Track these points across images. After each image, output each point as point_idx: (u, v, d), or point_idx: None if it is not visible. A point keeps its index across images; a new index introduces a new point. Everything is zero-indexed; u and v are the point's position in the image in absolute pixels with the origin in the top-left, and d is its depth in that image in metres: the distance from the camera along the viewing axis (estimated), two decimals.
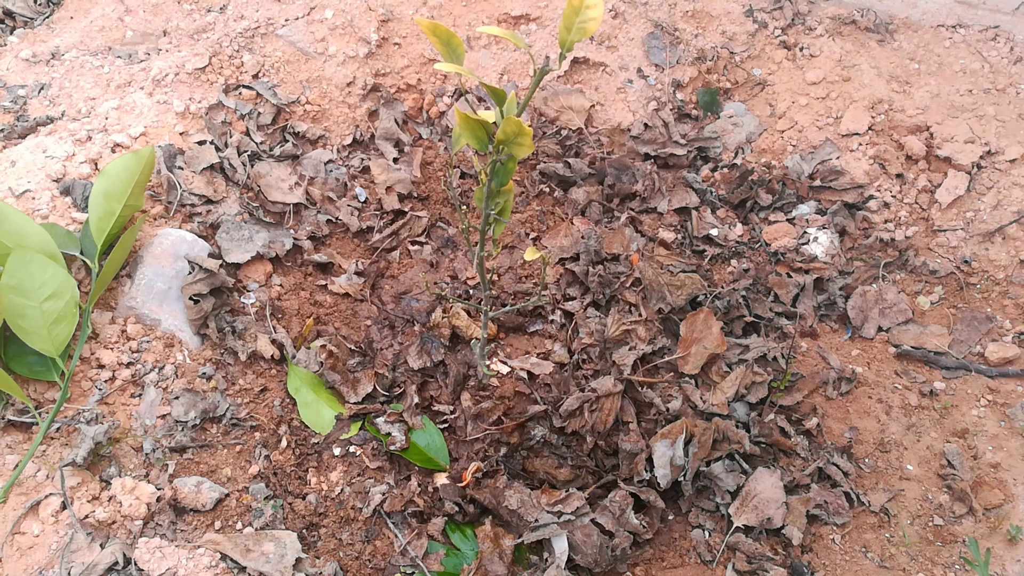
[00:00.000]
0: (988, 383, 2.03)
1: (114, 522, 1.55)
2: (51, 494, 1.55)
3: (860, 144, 2.46)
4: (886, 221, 2.36)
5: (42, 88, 2.28)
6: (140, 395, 1.77)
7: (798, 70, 2.60)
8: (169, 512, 1.61)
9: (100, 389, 1.73)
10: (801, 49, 2.62)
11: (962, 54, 2.55)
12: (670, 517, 1.82)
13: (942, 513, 1.82)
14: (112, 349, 1.79)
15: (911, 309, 2.18)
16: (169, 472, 1.68)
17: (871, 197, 2.38)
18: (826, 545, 1.78)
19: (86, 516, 1.54)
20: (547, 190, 2.37)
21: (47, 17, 2.61)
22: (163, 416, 1.76)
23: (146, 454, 1.69)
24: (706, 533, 1.78)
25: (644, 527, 1.73)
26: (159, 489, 1.63)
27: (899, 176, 2.40)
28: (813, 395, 2.02)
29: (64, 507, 1.54)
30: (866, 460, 1.92)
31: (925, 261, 2.26)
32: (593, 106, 2.56)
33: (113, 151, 2.08)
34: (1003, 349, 2.05)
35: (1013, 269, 2.20)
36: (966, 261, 2.24)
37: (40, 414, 1.66)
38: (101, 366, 1.77)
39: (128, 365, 1.79)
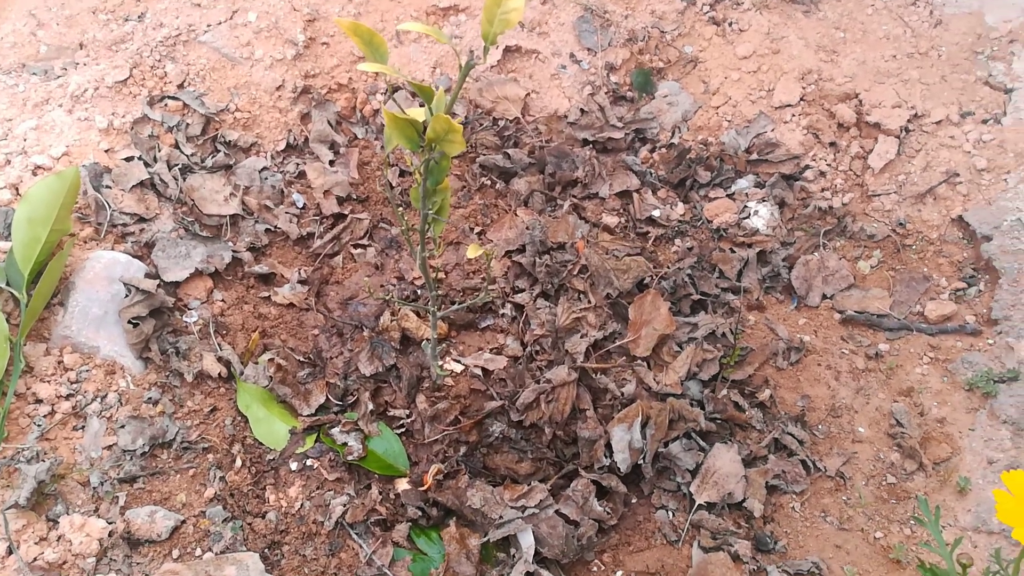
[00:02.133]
0: (929, 341, 2.08)
1: (65, 562, 1.50)
2: None
3: (793, 115, 2.49)
4: (823, 190, 2.40)
5: None
6: (83, 427, 1.70)
7: (728, 45, 2.62)
8: (123, 546, 1.56)
9: (39, 425, 1.67)
10: (730, 24, 2.64)
11: (884, 20, 2.60)
12: (633, 501, 1.84)
13: (894, 471, 1.88)
14: (49, 382, 1.73)
15: (852, 274, 2.23)
16: (120, 504, 1.63)
17: (807, 167, 2.42)
18: (787, 514, 1.82)
19: (35, 559, 1.48)
20: (488, 183, 2.36)
21: None
22: (109, 447, 1.70)
23: (94, 488, 1.64)
24: (670, 514, 1.80)
25: (608, 513, 1.74)
26: (110, 523, 1.57)
27: (832, 144, 2.44)
28: (764, 367, 2.05)
29: (10, 552, 1.48)
30: (819, 427, 1.96)
31: (863, 226, 2.31)
32: (528, 94, 2.54)
33: (34, 174, 1.99)
34: (941, 306, 2.11)
35: (945, 228, 2.26)
36: (901, 223, 2.30)
37: None
38: (38, 400, 1.70)
39: (68, 397, 1.73)
